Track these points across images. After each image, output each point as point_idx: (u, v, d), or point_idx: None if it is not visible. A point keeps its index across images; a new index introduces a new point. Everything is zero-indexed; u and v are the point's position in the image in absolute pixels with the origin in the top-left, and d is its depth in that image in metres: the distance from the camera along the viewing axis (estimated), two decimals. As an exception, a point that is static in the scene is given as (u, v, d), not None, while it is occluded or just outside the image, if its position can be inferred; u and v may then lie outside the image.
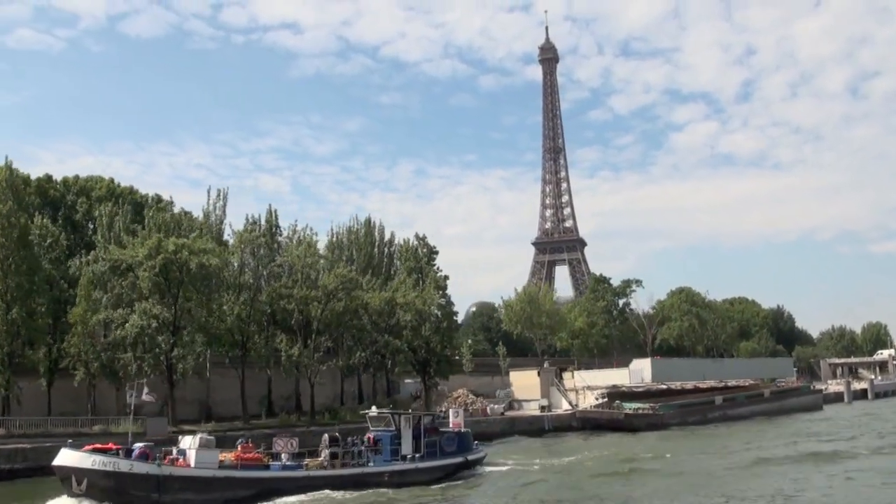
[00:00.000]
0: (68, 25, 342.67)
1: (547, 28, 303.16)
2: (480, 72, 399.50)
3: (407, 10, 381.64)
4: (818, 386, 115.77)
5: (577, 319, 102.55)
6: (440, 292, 65.80)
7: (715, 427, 68.91)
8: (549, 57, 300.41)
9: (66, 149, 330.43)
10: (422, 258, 68.31)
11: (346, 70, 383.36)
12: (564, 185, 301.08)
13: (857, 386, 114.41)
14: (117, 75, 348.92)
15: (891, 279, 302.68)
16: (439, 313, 65.09)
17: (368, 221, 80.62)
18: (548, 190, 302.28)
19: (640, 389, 75.14)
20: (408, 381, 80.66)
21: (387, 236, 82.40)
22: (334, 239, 77.77)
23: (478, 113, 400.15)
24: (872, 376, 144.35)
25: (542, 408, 71.49)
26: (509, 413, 71.37)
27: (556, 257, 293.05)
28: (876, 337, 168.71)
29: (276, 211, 71.46)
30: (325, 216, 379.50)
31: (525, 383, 77.08)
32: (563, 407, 73.94)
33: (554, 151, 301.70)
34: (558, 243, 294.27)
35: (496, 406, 70.33)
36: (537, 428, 67.41)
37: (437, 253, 70.85)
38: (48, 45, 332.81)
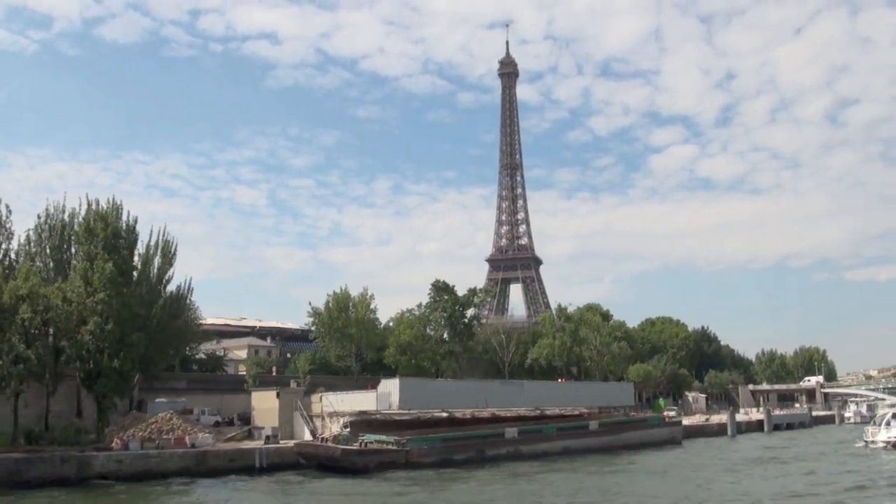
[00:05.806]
0: (42, 27, 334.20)
1: (507, 42, 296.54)
2: (460, 88, 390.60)
3: (387, 24, 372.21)
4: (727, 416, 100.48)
5: (404, 332, 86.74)
6: (109, 287, 50.65)
7: (473, 471, 52.10)
8: (508, 71, 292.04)
9: (38, 154, 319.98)
10: (100, 242, 52.78)
11: (325, 83, 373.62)
12: (521, 202, 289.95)
13: (751, 417, 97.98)
14: (92, 80, 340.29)
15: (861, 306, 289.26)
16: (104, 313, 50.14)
17: (110, 202, 65.78)
18: (504, 206, 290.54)
19: (407, 417, 59.28)
20: (159, 399, 67.11)
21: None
22: (47, 223, 62.80)
23: (457, 129, 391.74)
24: (798, 405, 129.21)
25: (268, 438, 56.23)
26: (227, 445, 56.16)
27: (511, 275, 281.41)
28: (808, 362, 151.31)
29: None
30: (303, 230, 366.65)
31: (266, 406, 61.79)
32: (306, 437, 58.83)
33: (511, 168, 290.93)
34: (512, 261, 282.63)
35: (204, 435, 54.97)
36: (244, 465, 51.80)
37: (124, 238, 55.45)
38: (21, 47, 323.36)
